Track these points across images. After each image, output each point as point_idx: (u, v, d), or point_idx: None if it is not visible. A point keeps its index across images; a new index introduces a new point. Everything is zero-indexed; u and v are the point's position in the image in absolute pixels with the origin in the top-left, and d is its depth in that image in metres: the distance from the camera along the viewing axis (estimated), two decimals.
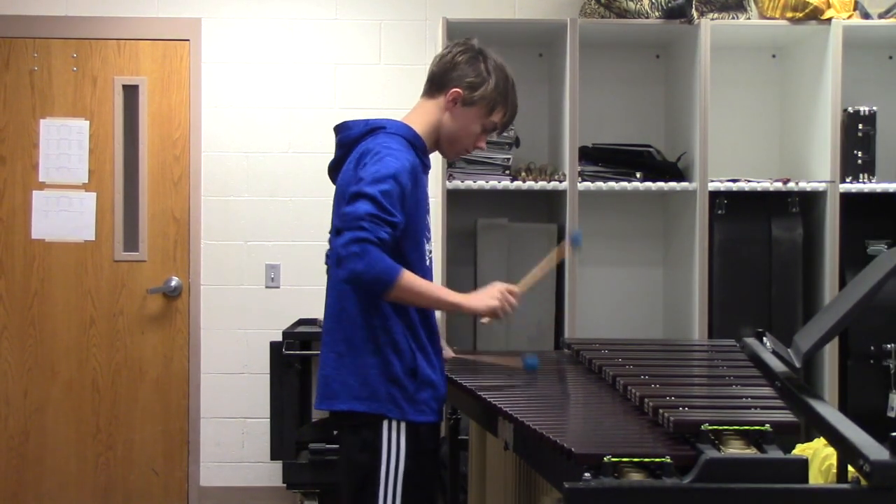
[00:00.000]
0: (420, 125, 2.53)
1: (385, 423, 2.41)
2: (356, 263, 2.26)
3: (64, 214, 4.64)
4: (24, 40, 4.63)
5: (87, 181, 4.64)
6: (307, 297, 4.58)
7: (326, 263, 2.61)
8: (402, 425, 2.41)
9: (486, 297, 2.46)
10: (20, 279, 4.64)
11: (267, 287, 4.66)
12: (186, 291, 4.67)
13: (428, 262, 2.52)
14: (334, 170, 2.59)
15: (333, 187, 2.58)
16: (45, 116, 4.64)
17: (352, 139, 2.51)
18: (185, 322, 4.67)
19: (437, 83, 2.55)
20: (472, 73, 2.51)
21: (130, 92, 4.67)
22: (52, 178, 4.64)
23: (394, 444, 2.40)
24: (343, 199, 2.43)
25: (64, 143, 4.64)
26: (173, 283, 4.66)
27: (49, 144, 4.64)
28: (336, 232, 2.38)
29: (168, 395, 4.68)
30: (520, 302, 2.51)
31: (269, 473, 4.61)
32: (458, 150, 2.61)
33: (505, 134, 4.09)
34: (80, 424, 4.66)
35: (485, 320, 2.50)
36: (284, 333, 4.33)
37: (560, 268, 4.11)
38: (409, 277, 2.33)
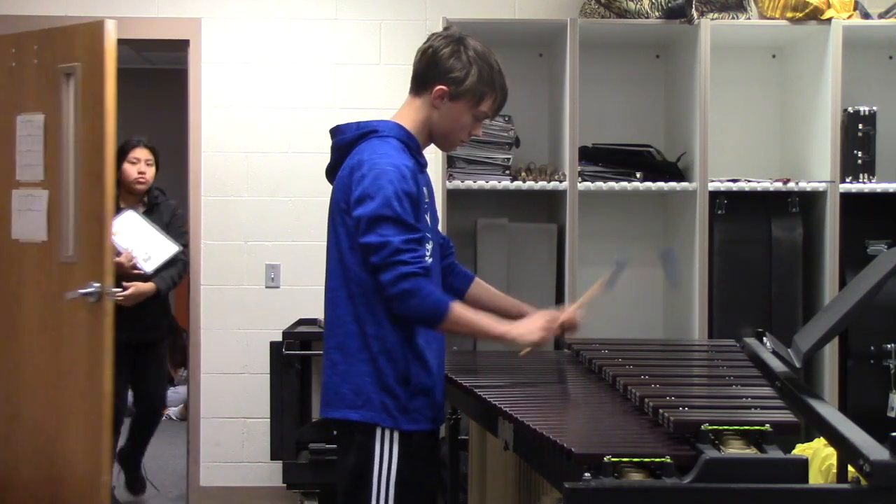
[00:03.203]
0: (411, 123, 2.49)
1: (378, 431, 2.39)
2: (409, 302, 2.31)
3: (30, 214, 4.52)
4: None
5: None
6: (307, 297, 4.57)
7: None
8: (395, 434, 2.39)
9: (533, 327, 2.47)
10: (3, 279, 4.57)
11: (267, 287, 4.66)
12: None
13: (430, 261, 2.49)
14: (331, 172, 2.58)
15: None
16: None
17: (345, 144, 2.48)
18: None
19: (421, 81, 2.49)
20: (455, 66, 2.44)
21: None
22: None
23: (386, 451, 2.39)
24: (337, 211, 2.42)
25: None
26: None
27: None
28: (374, 269, 2.34)
29: None
30: (575, 327, 2.58)
31: (269, 473, 4.61)
32: (454, 143, 2.58)
33: (505, 134, 4.09)
34: None
35: (523, 352, 2.53)
36: (284, 333, 4.33)
37: (560, 268, 4.11)
38: (457, 312, 2.37)
